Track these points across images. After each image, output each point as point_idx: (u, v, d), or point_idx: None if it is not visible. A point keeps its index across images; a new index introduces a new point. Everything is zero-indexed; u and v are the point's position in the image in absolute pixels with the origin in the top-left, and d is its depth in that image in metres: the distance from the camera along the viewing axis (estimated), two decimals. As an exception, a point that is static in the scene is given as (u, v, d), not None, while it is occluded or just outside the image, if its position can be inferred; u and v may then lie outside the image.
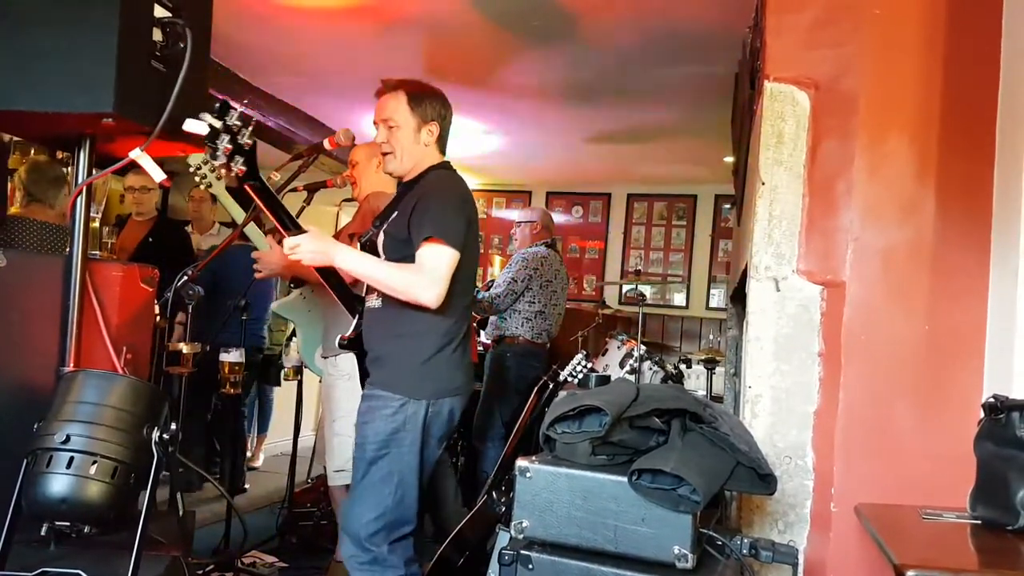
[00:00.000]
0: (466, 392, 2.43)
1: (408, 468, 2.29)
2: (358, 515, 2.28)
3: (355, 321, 2.49)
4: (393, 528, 2.28)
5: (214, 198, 4.71)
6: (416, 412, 2.28)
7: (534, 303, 4.42)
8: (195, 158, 3.06)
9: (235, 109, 2.09)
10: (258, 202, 2.22)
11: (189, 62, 1.98)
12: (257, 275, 3.04)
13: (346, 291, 2.49)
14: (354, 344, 2.48)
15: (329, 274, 2.41)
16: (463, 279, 2.36)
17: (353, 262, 2.28)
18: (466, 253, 2.32)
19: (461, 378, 2.40)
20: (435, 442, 2.35)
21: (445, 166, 2.47)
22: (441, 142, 2.47)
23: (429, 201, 2.30)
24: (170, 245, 4.47)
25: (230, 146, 2.08)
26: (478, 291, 4.28)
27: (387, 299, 2.34)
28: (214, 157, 2.08)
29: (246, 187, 2.18)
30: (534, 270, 4.42)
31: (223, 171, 2.20)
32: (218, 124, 2.06)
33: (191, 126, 1.99)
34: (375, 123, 2.45)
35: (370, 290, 2.44)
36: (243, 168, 2.13)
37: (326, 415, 3.18)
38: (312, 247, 2.23)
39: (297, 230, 2.24)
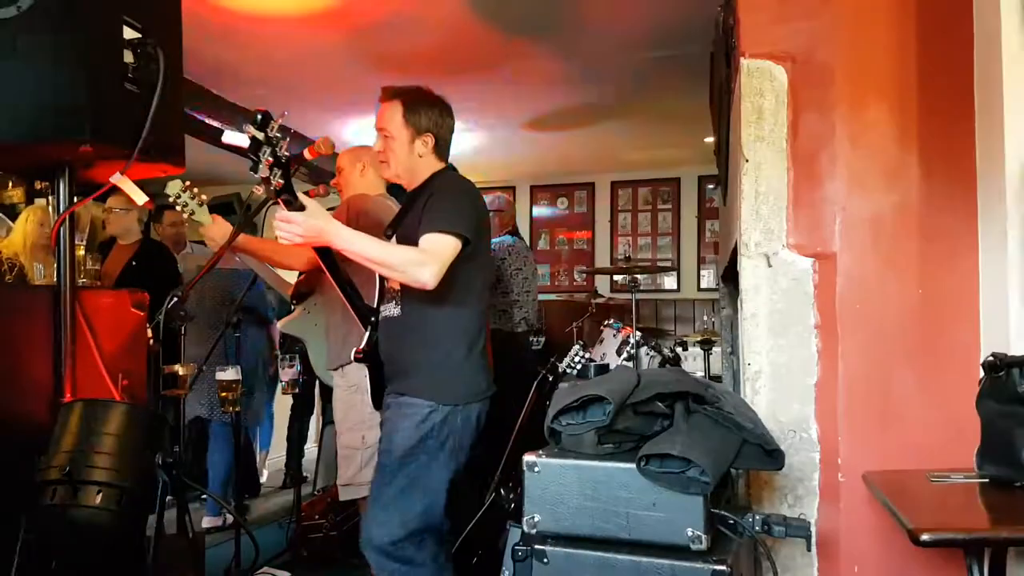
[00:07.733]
0: (489, 395, 2.38)
1: (437, 476, 2.25)
2: (383, 522, 2.23)
3: (367, 333, 2.42)
4: (416, 535, 2.24)
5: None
6: (446, 418, 2.25)
7: (508, 294, 4.41)
8: (173, 187, 2.88)
9: (275, 120, 1.98)
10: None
11: (163, 82, 1.96)
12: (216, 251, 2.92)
13: (360, 301, 2.42)
14: (369, 357, 2.40)
15: (343, 283, 2.36)
16: (480, 280, 2.34)
17: (351, 241, 2.14)
18: (479, 250, 2.29)
19: (485, 382, 2.37)
20: (465, 449, 2.31)
21: (450, 169, 2.46)
22: (439, 150, 2.42)
23: (436, 199, 2.27)
24: (156, 267, 4.42)
25: (271, 159, 1.97)
26: None
27: (406, 306, 2.31)
28: (255, 170, 1.97)
29: (280, 201, 2.06)
30: (501, 260, 4.40)
31: (262, 182, 2.03)
32: (260, 136, 1.94)
33: (231, 138, 1.91)
34: (376, 128, 2.42)
35: (386, 298, 2.40)
36: (281, 181, 2.02)
37: (337, 428, 3.15)
38: (306, 226, 2.07)
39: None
